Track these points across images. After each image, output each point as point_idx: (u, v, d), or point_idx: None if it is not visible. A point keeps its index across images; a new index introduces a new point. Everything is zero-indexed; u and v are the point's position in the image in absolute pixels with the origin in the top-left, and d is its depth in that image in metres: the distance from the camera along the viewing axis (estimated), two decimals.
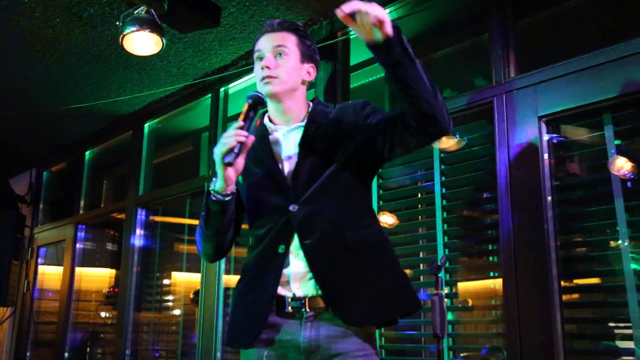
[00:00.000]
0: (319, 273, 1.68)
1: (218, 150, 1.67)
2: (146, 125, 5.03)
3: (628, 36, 2.35)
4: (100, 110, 4.93)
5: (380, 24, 1.53)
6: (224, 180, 1.71)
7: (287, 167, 1.81)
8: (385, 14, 1.53)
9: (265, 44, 1.83)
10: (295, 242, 1.72)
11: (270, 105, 1.89)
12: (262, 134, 1.90)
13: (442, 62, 3.61)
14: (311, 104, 1.92)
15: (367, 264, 1.71)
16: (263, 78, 1.80)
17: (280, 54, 1.81)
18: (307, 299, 1.68)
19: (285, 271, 1.71)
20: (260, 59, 1.83)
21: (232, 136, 1.65)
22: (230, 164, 1.66)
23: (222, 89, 4.31)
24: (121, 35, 3.00)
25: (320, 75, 3.53)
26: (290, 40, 1.84)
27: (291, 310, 1.69)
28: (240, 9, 3.41)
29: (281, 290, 1.71)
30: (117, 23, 3.04)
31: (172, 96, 4.68)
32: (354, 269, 1.69)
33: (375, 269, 1.71)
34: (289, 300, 1.70)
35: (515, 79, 2.66)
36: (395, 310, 1.71)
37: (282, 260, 1.71)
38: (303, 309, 1.68)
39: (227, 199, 1.75)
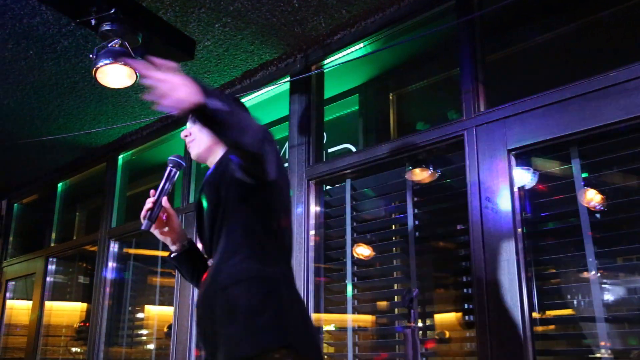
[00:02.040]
0: (198, 324, 1.83)
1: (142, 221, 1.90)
2: (120, 157, 5.00)
3: (594, 72, 2.41)
4: (73, 141, 4.90)
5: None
6: (164, 242, 2.00)
7: None
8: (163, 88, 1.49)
9: (189, 119, 2.09)
10: None
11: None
12: None
13: (415, 96, 3.67)
14: None
15: (228, 305, 1.69)
16: (187, 147, 2.07)
17: (195, 121, 2.01)
18: None
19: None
20: None
21: (144, 208, 1.88)
22: (147, 230, 1.87)
23: None
24: (95, 68, 2.99)
25: (295, 108, 3.56)
26: None
27: None
28: (214, 43, 3.44)
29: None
30: (91, 56, 3.03)
31: (147, 128, 4.67)
32: (219, 313, 1.71)
33: (233, 308, 1.68)
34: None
35: (485, 113, 2.71)
36: (248, 349, 1.62)
37: None
38: None
39: (171, 255, 2.02)
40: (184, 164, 2.00)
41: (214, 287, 1.75)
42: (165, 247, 4.39)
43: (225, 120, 1.59)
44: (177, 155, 1.99)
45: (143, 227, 1.86)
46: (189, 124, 2.09)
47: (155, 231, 1.95)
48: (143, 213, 1.88)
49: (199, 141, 2.04)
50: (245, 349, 1.61)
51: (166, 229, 1.97)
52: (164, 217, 1.96)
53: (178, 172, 1.98)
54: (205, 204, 1.91)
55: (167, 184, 1.93)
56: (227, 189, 1.84)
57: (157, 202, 1.88)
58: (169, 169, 1.95)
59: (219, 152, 2.04)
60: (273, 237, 1.83)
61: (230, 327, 1.65)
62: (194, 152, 2.06)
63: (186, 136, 2.07)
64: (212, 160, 2.05)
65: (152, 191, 1.90)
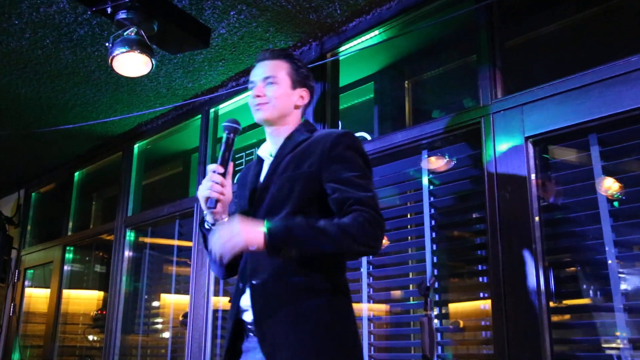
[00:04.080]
0: (257, 316, 1.73)
1: (201, 195, 1.76)
2: (136, 146, 5.02)
3: (614, 57, 2.37)
4: (89, 130, 4.93)
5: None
6: (212, 217, 1.82)
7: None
8: (224, 247, 1.61)
9: (257, 74, 1.92)
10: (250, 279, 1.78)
11: (266, 130, 1.96)
12: (258, 160, 1.98)
13: (431, 83, 3.64)
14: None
15: (301, 316, 1.68)
16: (255, 105, 1.89)
17: (270, 83, 1.88)
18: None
19: (241, 304, 1.80)
20: (253, 89, 1.91)
21: (210, 188, 1.74)
22: (213, 208, 1.76)
23: (212, 110, 4.31)
24: (111, 57, 3.00)
25: None
26: (280, 69, 1.90)
27: (252, 335, 1.78)
28: (229, 31, 3.44)
29: (245, 317, 1.80)
30: (107, 44, 3.04)
31: (162, 117, 4.69)
32: (289, 317, 1.68)
33: (307, 322, 1.67)
34: (248, 326, 1.79)
35: (502, 100, 2.68)
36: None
37: (242, 294, 1.81)
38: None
39: (207, 225, 1.86)
40: (240, 127, 1.85)
41: (280, 292, 1.72)
42: (181, 237, 4.43)
43: (316, 247, 1.63)
44: (232, 119, 1.84)
45: (212, 205, 1.75)
46: (259, 83, 1.90)
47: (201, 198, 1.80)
48: (213, 196, 1.75)
49: (273, 106, 1.87)
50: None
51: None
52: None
53: (235, 137, 1.84)
54: (269, 187, 1.82)
55: (228, 153, 1.81)
56: (299, 183, 1.78)
57: (224, 174, 1.78)
58: (226, 136, 1.82)
59: (290, 121, 1.92)
60: None
61: (301, 346, 1.65)
62: (263, 115, 1.88)
63: (258, 96, 1.88)
64: (279, 129, 1.92)
65: (216, 166, 1.77)
